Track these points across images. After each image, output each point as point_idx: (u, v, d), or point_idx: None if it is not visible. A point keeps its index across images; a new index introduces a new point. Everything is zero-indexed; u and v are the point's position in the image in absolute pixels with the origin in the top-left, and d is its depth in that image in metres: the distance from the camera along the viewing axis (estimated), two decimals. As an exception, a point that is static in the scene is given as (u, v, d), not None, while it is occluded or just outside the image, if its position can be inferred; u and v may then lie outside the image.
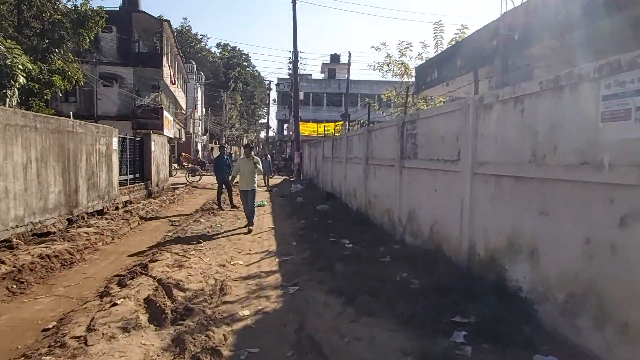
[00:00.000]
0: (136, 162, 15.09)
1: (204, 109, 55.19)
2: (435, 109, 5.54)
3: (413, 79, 8.93)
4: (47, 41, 16.45)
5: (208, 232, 8.06)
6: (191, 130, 39.57)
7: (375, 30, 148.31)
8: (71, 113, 20.12)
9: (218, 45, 73.63)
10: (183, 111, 40.26)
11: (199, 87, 50.44)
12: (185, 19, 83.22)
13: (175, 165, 30.06)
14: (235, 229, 8.59)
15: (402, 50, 8.91)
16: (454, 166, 4.86)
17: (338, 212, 10.30)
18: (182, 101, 40.37)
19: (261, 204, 12.47)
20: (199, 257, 5.95)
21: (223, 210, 11.64)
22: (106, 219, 8.31)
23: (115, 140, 12.21)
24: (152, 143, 16.13)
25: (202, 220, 9.07)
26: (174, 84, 32.30)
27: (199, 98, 50.07)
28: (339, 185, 12.86)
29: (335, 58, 52.36)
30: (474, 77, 5.03)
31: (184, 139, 40.39)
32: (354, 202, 10.56)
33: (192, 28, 67.12)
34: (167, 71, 28.57)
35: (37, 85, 14.80)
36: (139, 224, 8.82)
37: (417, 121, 6.10)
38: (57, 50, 16.45)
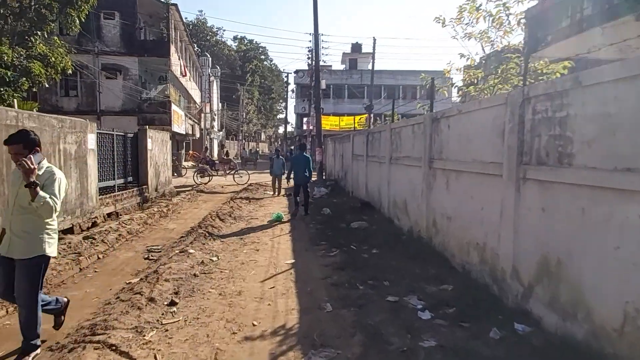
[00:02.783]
0: (128, 164, 12.49)
1: (220, 104, 52.86)
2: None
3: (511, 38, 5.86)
4: (27, 23, 13.98)
5: (195, 274, 5.27)
6: (203, 126, 37.14)
7: (400, 15, 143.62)
8: (56, 108, 17.83)
9: (235, 38, 71.23)
10: (197, 106, 37.88)
11: (215, 81, 48.03)
12: (201, 11, 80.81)
13: (187, 164, 27.60)
14: (235, 268, 5.77)
15: (491, -8, 5.70)
16: None
17: (383, 234, 7.38)
18: (196, 95, 37.97)
19: (278, 218, 9.64)
20: (156, 353, 3.16)
21: (295, 218, 9.98)
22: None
23: (91, 138, 9.57)
24: (149, 140, 13.51)
25: (193, 250, 6.29)
26: (185, 75, 29.80)
27: (215, 92, 47.69)
28: (377, 193, 9.92)
29: (356, 47, 49.25)
30: None
31: (198, 136, 38.03)
32: (404, 219, 7.62)
33: (207, 21, 64.68)
34: (175, 61, 26.05)
35: (9, 73, 12.34)
36: (98, 258, 6.11)
37: (570, 94, 3.12)
38: (39, 33, 13.97)
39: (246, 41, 71.54)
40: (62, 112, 22.93)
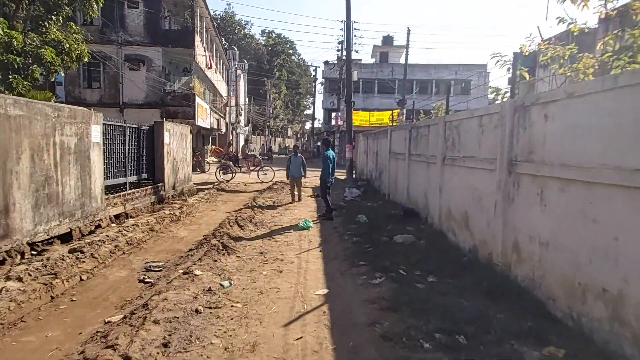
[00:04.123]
0: (142, 159, 11.41)
1: (247, 99, 52.03)
2: None
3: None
4: (42, 8, 13.09)
5: (197, 310, 3.94)
6: (228, 120, 36.22)
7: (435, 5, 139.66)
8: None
9: (262, 32, 70.26)
10: (223, 99, 37.02)
11: (242, 75, 47.14)
12: (229, 4, 79.80)
13: (211, 159, 26.62)
14: (250, 300, 4.41)
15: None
16: None
17: (436, 254, 5.87)
18: (222, 89, 37.14)
19: (305, 226, 8.27)
20: None
21: (332, 220, 9.11)
22: (6, 277, 4.25)
23: (96, 129, 8.45)
24: (166, 133, 12.41)
25: (199, 271, 4.98)
26: (210, 67, 28.83)
27: (242, 87, 46.83)
28: (422, 198, 8.39)
29: (388, 40, 47.50)
30: None
31: (224, 130, 37.21)
32: (463, 235, 6.07)
33: (235, 14, 63.94)
34: (200, 52, 25.05)
35: (18, 59, 11.43)
36: (81, 280, 4.88)
37: None
38: (53, 18, 13.06)
39: (274, 35, 70.48)
40: (85, 104, 22.28)
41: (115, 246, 5.98)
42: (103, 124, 9.03)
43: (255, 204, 10.73)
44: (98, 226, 8.27)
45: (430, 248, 6.29)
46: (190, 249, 6.32)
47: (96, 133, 8.46)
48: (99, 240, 5.96)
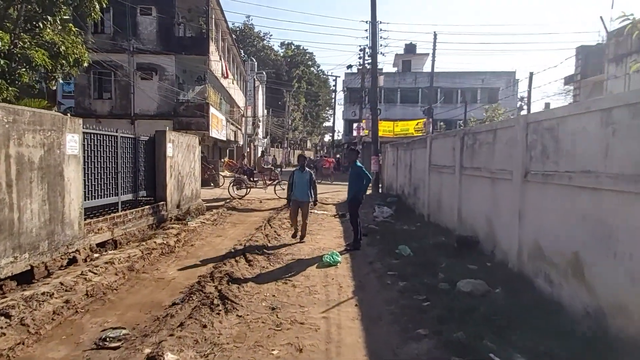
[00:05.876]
0: (140, 175, 9.79)
1: (265, 110, 50.85)
2: None
3: None
4: (38, 7, 11.77)
5: None
6: (244, 131, 34.79)
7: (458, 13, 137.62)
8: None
9: (282, 44, 69.33)
10: (241, 111, 35.74)
11: (260, 86, 45.99)
12: (248, 16, 79.22)
13: (226, 173, 25.05)
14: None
15: None
16: None
17: (529, 315, 3.91)
18: (240, 100, 35.88)
19: (331, 261, 6.38)
20: None
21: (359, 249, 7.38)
22: None
23: (72, 139, 6.82)
24: (169, 145, 10.80)
25: (174, 354, 3.17)
26: (227, 77, 27.51)
27: (260, 98, 45.64)
28: (485, 224, 6.40)
29: (410, 48, 45.82)
30: None
31: (241, 142, 35.87)
32: (572, 288, 4.06)
33: (254, 26, 63.30)
34: (216, 59, 23.73)
35: (2, 62, 10.05)
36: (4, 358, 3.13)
37: None
38: (49, 18, 11.70)
39: (293, 47, 69.53)
40: (96, 115, 21.18)
41: (67, 301, 4.18)
42: (85, 132, 7.44)
43: (270, 227, 8.91)
44: (73, 259, 6.59)
45: (515, 304, 4.31)
46: (175, 303, 4.50)
47: (72, 143, 6.83)
48: (44, 293, 4.18)
